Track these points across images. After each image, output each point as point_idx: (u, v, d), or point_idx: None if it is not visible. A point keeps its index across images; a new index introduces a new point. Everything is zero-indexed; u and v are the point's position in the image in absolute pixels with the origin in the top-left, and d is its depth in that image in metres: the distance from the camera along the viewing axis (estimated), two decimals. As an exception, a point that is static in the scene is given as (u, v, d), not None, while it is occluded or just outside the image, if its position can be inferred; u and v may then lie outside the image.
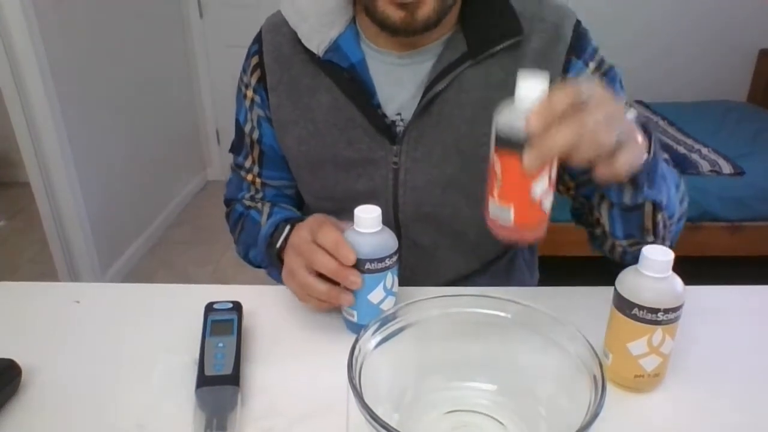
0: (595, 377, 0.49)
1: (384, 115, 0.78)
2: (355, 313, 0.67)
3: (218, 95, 3.29)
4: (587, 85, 0.53)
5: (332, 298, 0.66)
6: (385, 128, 0.78)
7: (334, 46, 0.77)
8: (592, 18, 0.85)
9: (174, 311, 0.74)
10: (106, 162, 2.42)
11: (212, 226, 2.88)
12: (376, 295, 0.66)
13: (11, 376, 0.60)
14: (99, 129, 2.36)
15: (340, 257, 0.63)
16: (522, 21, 0.75)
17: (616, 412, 0.57)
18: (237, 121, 0.90)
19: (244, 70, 0.87)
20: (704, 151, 2.36)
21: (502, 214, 0.53)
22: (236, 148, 0.92)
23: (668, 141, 2.51)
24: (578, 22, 0.78)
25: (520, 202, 0.52)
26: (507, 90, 0.66)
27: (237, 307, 0.69)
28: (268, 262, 0.80)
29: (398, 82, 0.79)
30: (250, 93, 0.86)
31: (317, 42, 0.77)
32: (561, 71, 0.76)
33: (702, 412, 0.59)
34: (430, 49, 0.77)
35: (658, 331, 0.57)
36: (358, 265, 0.64)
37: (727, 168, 2.23)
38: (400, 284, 0.78)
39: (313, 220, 0.70)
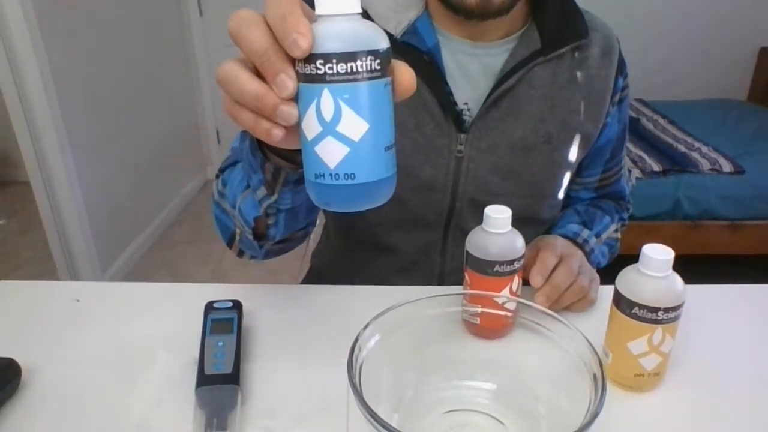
0: (595, 376, 0.49)
1: (455, 103, 0.79)
2: (302, 155, 0.43)
3: (218, 94, 3.28)
4: (560, 243, 0.74)
5: (262, 103, 0.40)
6: (454, 116, 0.78)
7: (412, 29, 0.76)
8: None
9: (174, 310, 0.74)
10: (106, 161, 2.42)
11: (212, 225, 2.88)
12: (308, 124, 0.40)
13: (11, 375, 0.60)
14: (99, 128, 2.36)
15: (282, 39, 0.39)
16: None
17: (616, 412, 0.57)
18: None
19: None
20: (704, 149, 2.37)
21: (471, 316, 0.60)
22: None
23: (668, 140, 2.51)
24: (618, 40, 0.84)
25: (485, 309, 0.60)
26: (570, 90, 0.80)
27: (237, 306, 0.69)
28: (250, 165, 0.60)
29: (468, 72, 0.80)
30: None
31: (394, 23, 0.76)
32: (612, 84, 0.82)
33: (702, 411, 0.59)
34: (503, 43, 0.79)
35: (659, 330, 0.57)
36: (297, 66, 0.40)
37: (727, 166, 2.23)
38: (446, 274, 0.83)
39: None
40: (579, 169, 0.90)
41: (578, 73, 0.80)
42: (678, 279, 0.57)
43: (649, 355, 0.58)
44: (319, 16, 0.39)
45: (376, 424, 0.44)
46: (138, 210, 2.68)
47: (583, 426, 0.44)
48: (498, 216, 0.64)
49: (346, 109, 0.39)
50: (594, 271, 0.76)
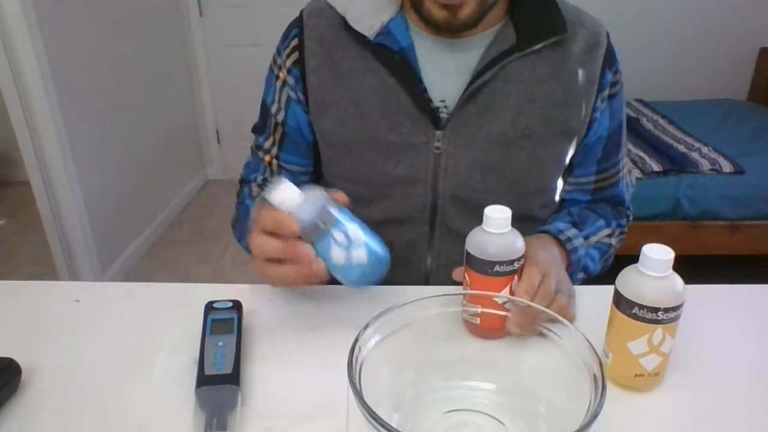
0: (595, 376, 0.49)
1: (430, 100, 0.80)
2: (339, 276, 0.66)
3: (218, 95, 3.29)
4: (542, 258, 0.69)
5: (305, 277, 0.63)
6: (430, 113, 0.80)
7: (385, 30, 0.79)
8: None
9: (174, 310, 0.74)
10: (106, 161, 2.42)
11: (212, 225, 2.88)
12: (337, 256, 0.63)
13: (11, 375, 0.60)
14: (99, 128, 2.36)
15: (283, 232, 0.62)
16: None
17: (616, 412, 0.57)
18: (263, 102, 0.91)
19: (278, 52, 0.87)
20: (704, 149, 2.37)
21: (471, 316, 0.61)
22: (258, 128, 0.93)
23: (668, 140, 2.51)
24: (608, 34, 0.83)
25: (485, 309, 0.61)
26: (551, 85, 0.80)
27: (237, 306, 0.69)
28: None
29: (444, 69, 0.81)
30: (282, 74, 0.86)
31: (368, 25, 0.79)
32: (598, 78, 0.82)
33: (702, 411, 0.59)
34: (479, 39, 0.80)
35: (658, 330, 0.57)
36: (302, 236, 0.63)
37: (727, 167, 2.23)
38: (434, 270, 0.84)
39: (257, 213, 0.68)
40: (570, 168, 0.89)
41: (560, 69, 0.80)
42: (678, 279, 0.57)
43: (649, 355, 0.58)
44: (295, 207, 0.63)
45: (376, 424, 0.44)
46: (138, 210, 2.68)
47: (583, 426, 0.44)
48: (498, 216, 0.64)
49: (346, 229, 0.63)
50: (571, 286, 0.74)
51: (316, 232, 0.63)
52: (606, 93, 0.84)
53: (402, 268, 0.87)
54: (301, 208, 0.62)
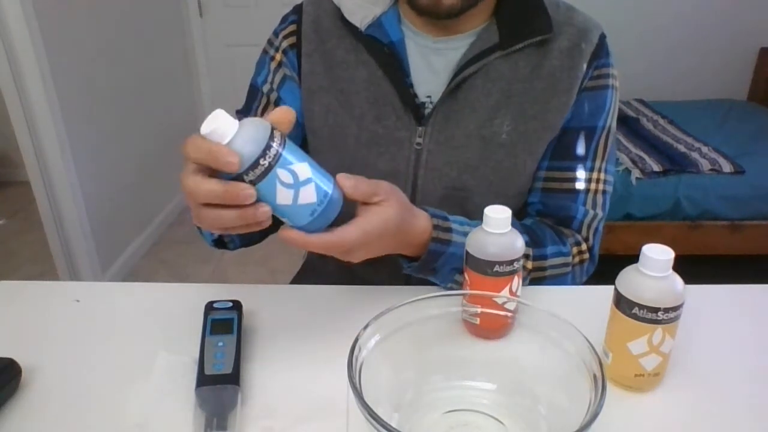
0: (595, 376, 0.49)
1: (415, 95, 0.81)
2: (286, 219, 0.57)
3: (218, 95, 3.29)
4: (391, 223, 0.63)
5: (249, 220, 0.54)
6: (414, 108, 0.81)
7: (377, 23, 0.80)
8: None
9: (174, 310, 0.74)
10: (106, 162, 2.42)
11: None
12: (282, 197, 0.54)
13: (11, 375, 0.60)
14: (99, 128, 2.36)
15: (218, 165, 0.52)
16: (552, 23, 0.80)
17: (616, 412, 0.57)
18: (252, 85, 0.90)
19: (275, 34, 0.88)
20: (704, 149, 2.37)
21: (471, 316, 0.61)
22: (243, 111, 0.92)
23: (668, 140, 2.51)
24: (604, 35, 0.83)
25: (485, 309, 0.61)
26: (530, 82, 0.79)
27: (237, 306, 0.69)
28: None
29: (431, 66, 0.82)
30: (279, 56, 0.87)
31: (360, 17, 0.80)
32: (582, 75, 0.81)
33: (702, 411, 0.59)
34: (465, 37, 0.81)
35: (658, 331, 0.57)
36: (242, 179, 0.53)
37: (727, 167, 2.23)
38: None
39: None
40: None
41: (541, 66, 0.80)
42: (678, 279, 0.57)
43: (649, 355, 0.58)
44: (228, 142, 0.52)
45: (376, 424, 0.44)
46: (138, 210, 2.68)
47: (583, 426, 0.44)
48: (498, 216, 0.64)
49: (292, 168, 0.54)
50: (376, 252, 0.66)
51: (256, 170, 0.52)
52: (583, 86, 0.81)
53: (382, 265, 0.86)
54: (238, 142, 0.52)
